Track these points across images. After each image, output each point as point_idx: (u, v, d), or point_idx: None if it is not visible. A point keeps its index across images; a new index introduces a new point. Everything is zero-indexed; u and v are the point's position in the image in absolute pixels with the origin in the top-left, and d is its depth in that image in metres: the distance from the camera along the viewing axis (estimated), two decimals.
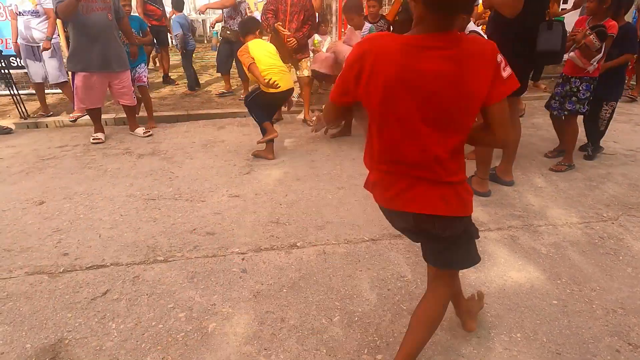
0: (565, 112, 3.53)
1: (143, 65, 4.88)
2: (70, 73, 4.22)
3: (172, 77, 7.23)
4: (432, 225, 1.34)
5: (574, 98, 3.46)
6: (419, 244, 1.54)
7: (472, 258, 1.46)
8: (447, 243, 1.40)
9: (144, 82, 4.84)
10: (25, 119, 5.04)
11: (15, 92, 5.04)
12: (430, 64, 1.16)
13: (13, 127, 4.92)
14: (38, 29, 4.87)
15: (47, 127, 5.02)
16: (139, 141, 4.46)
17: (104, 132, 4.51)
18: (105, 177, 3.53)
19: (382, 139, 1.29)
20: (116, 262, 2.36)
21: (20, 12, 4.78)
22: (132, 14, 4.98)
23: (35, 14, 4.83)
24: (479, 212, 2.85)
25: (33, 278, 2.23)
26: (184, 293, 2.11)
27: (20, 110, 5.07)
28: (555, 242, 2.54)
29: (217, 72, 6.43)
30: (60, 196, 3.17)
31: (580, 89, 3.42)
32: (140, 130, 4.61)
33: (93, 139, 4.37)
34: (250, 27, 3.86)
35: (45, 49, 4.80)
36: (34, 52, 4.93)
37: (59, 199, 3.13)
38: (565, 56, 3.33)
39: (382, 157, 1.33)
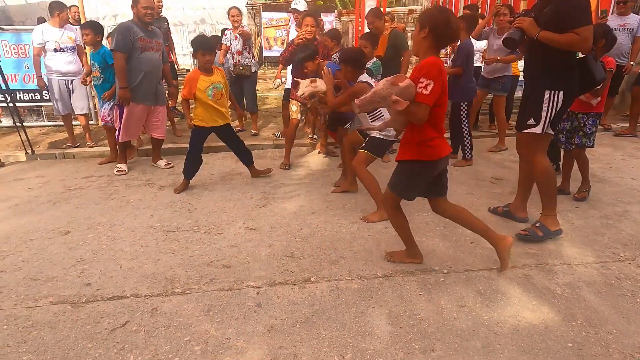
0: (573, 147, 3.70)
1: None
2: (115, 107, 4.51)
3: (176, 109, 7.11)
4: (447, 161, 2.51)
5: (580, 132, 3.64)
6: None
7: None
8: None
9: None
10: (33, 153, 5.24)
11: (20, 124, 5.22)
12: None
13: (24, 158, 5.21)
14: (76, 63, 5.26)
15: (74, 157, 5.25)
16: (160, 173, 4.62)
17: (126, 163, 4.70)
18: (127, 208, 3.67)
19: (438, 122, 2.33)
20: (136, 294, 2.43)
21: (62, 49, 5.10)
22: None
23: (74, 49, 5.19)
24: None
25: (57, 307, 2.32)
26: (199, 326, 2.16)
27: (26, 147, 5.21)
28: (571, 282, 2.53)
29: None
30: (85, 226, 3.31)
31: (587, 123, 3.60)
32: (162, 162, 4.79)
33: (117, 171, 4.56)
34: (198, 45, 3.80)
35: (88, 83, 5.22)
36: (67, 85, 5.23)
37: (83, 229, 3.26)
38: None
39: (438, 132, 2.35)
